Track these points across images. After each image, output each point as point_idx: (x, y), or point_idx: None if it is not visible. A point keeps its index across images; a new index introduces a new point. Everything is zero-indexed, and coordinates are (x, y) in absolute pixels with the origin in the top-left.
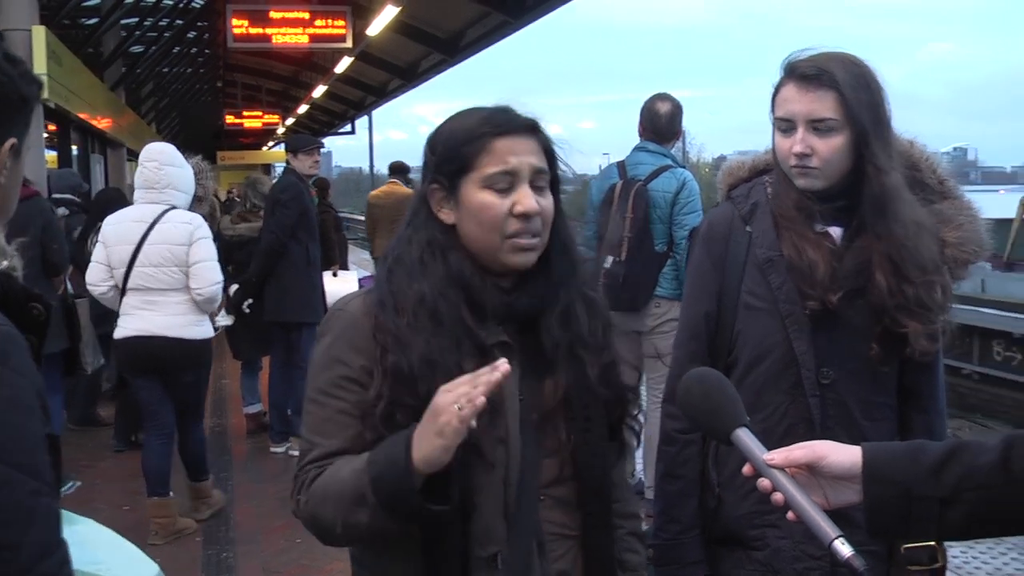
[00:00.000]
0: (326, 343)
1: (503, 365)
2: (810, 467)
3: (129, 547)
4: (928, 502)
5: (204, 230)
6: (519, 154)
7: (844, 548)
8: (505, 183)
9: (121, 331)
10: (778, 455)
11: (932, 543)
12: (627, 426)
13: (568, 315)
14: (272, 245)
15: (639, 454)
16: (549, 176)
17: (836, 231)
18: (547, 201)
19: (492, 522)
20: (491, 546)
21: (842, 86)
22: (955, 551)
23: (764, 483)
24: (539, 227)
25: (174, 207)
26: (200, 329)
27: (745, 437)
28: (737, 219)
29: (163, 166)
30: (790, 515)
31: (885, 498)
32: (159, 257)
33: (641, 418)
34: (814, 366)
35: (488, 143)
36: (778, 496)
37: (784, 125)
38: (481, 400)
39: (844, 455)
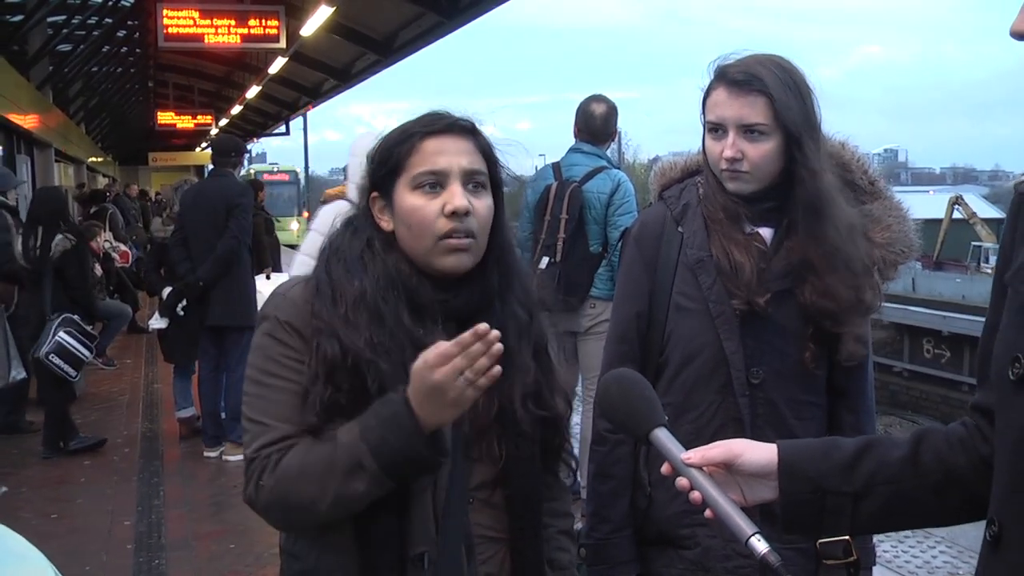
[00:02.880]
0: (269, 326)
1: (487, 331)
2: (727, 465)
3: (25, 553)
4: (841, 497)
5: (314, 222)
6: (449, 153)
7: (760, 544)
8: (434, 182)
9: None
10: (695, 454)
11: (846, 537)
12: (564, 452)
13: (504, 324)
14: (234, 250)
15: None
16: (488, 178)
17: (766, 232)
18: (482, 202)
19: (421, 523)
20: (419, 546)
21: (772, 91)
22: (886, 545)
23: (682, 482)
24: (474, 227)
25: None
26: None
27: (663, 437)
28: (669, 220)
29: (350, 157)
30: (708, 513)
31: (799, 494)
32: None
33: (576, 433)
34: (744, 366)
35: (417, 143)
36: (696, 495)
37: (714, 128)
38: (497, 370)
39: (760, 453)
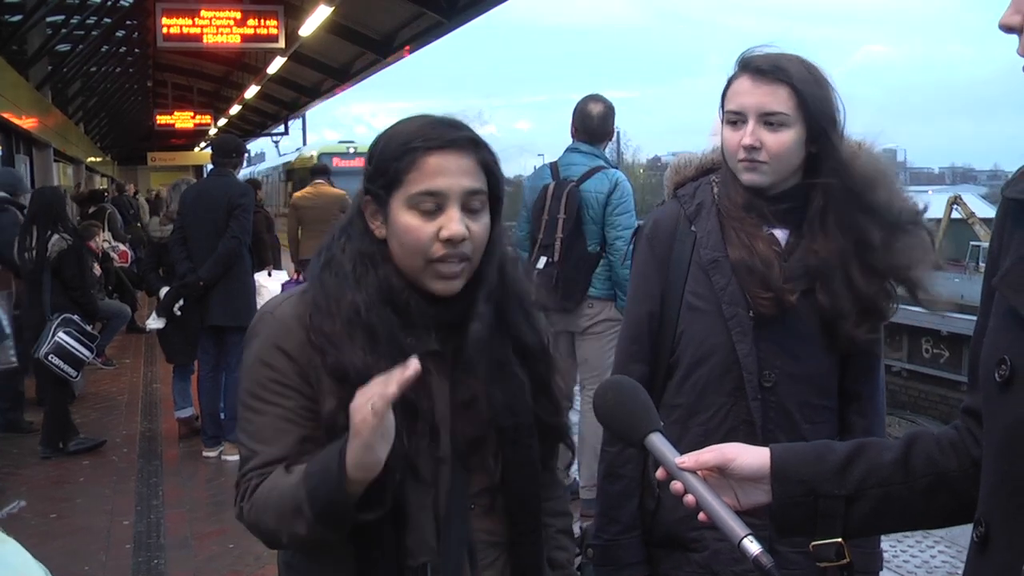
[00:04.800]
0: (256, 347)
1: (414, 363)
2: (720, 469)
3: (24, 564)
4: (833, 500)
5: None
6: (450, 174)
7: (752, 546)
8: (431, 204)
9: None
10: (689, 458)
11: (839, 540)
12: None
13: (495, 341)
14: (235, 250)
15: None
16: (487, 195)
17: (781, 234)
18: (479, 225)
19: (422, 532)
20: (421, 556)
21: (796, 81)
22: (884, 544)
23: (676, 486)
24: (468, 252)
25: None
26: None
27: (657, 441)
28: (683, 219)
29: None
30: (701, 516)
31: (792, 498)
32: None
33: (574, 433)
34: (756, 369)
35: (418, 159)
36: (690, 498)
37: (734, 118)
38: (392, 390)
39: (753, 457)
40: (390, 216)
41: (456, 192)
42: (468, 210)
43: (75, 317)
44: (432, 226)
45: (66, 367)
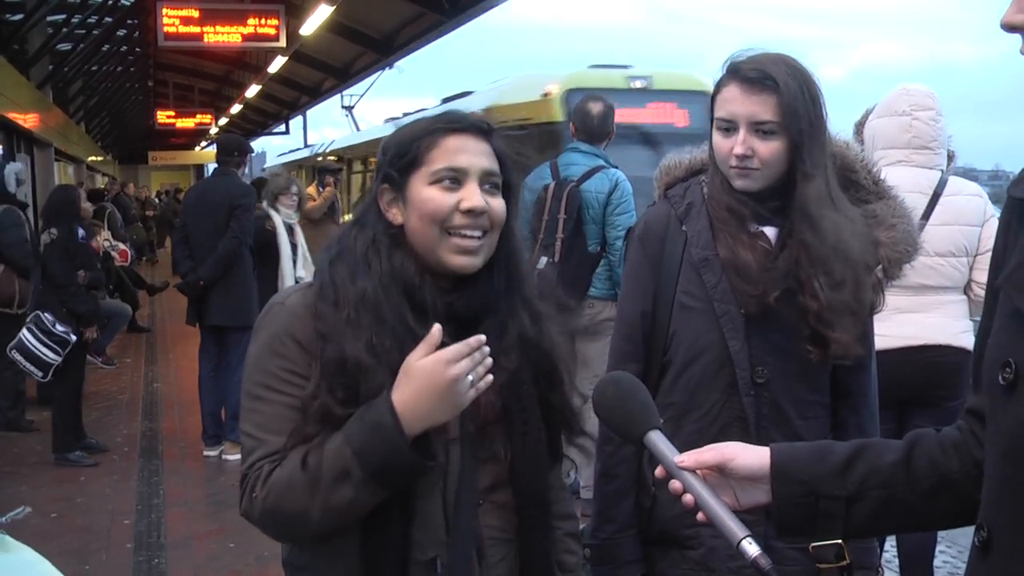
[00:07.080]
0: (265, 337)
1: (482, 343)
2: (720, 468)
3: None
4: (834, 501)
5: (992, 206)
6: (470, 153)
7: (751, 548)
8: (453, 179)
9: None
10: (688, 457)
11: (839, 541)
12: (573, 443)
13: (506, 327)
14: (236, 250)
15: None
16: (501, 180)
17: (771, 231)
18: (497, 201)
19: (432, 527)
20: (430, 550)
21: (784, 90)
22: (884, 545)
23: (675, 485)
24: (486, 225)
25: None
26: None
27: (657, 440)
28: (673, 219)
29: (939, 117)
30: (700, 516)
31: (793, 498)
32: (948, 243)
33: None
34: (748, 365)
35: (439, 139)
36: (688, 498)
37: (725, 125)
38: (489, 378)
39: (753, 456)
40: (409, 196)
41: (476, 170)
42: (485, 190)
43: (46, 315)
44: (453, 198)
45: (30, 366)
